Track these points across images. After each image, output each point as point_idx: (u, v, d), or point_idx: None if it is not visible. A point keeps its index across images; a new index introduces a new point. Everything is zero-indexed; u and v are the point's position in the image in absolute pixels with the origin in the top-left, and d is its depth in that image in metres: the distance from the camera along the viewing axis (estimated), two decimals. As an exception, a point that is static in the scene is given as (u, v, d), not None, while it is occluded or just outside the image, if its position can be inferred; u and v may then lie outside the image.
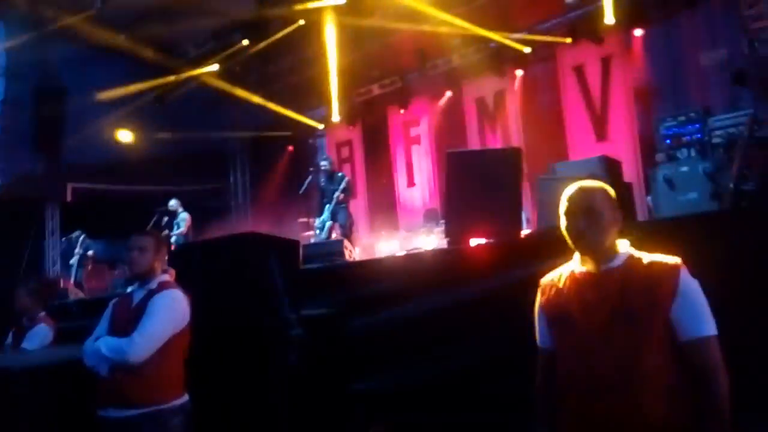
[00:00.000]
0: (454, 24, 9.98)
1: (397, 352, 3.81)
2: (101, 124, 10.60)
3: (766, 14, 6.28)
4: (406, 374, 3.77)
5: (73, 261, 8.83)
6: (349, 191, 8.02)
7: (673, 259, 1.74)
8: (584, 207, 1.79)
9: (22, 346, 3.78)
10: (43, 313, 4.00)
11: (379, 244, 9.72)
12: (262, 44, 10.71)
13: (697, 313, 1.68)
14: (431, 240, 8.83)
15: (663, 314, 1.66)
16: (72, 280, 8.53)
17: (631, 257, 1.78)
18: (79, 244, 8.82)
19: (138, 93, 11.08)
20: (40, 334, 3.86)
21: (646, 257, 1.77)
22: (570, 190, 1.86)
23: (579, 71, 9.91)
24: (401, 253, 8.29)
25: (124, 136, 11.38)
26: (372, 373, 3.83)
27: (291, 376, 3.13)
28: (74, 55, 10.46)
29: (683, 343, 1.67)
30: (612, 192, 1.86)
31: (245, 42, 10.61)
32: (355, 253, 6.67)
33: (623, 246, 1.82)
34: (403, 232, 10.28)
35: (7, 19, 9.96)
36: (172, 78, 11.34)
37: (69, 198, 10.89)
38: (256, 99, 11.98)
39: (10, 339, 4.01)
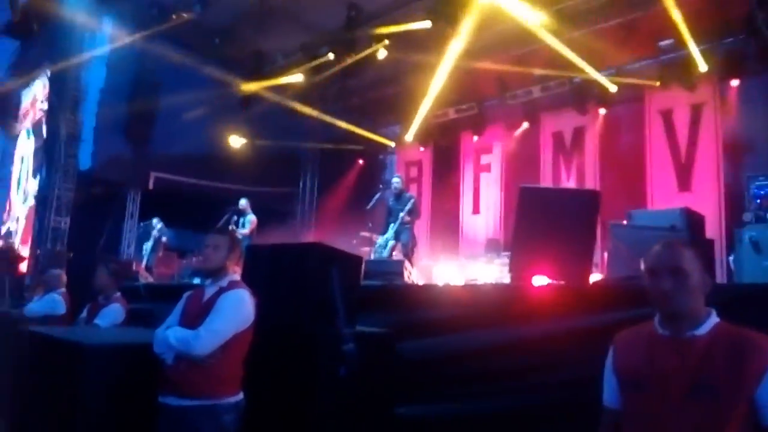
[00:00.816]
0: (539, 55, 9.89)
1: (446, 381, 3.76)
2: (189, 121, 11.17)
3: None
4: (452, 406, 3.71)
5: (147, 245, 9.29)
6: (416, 213, 8.02)
7: (764, 337, 1.63)
8: (672, 266, 1.71)
9: (95, 321, 4.02)
10: (118, 294, 4.25)
11: (437, 267, 9.65)
12: (347, 60, 10.95)
13: None
14: (491, 270, 8.69)
15: (748, 394, 1.56)
16: (144, 264, 8.96)
17: (717, 326, 1.69)
18: (156, 229, 9.26)
19: (226, 95, 11.62)
20: (114, 312, 4.10)
21: (735, 329, 1.68)
22: (658, 246, 1.79)
23: (666, 116, 9.58)
24: (459, 280, 8.22)
25: (235, 141, 11.97)
26: (418, 398, 3.80)
27: (339, 389, 3.16)
28: (171, 53, 11.11)
29: (766, 428, 1.56)
30: (701, 254, 1.78)
31: (331, 56, 10.90)
32: (413, 274, 6.67)
33: (710, 314, 1.72)
34: (462, 259, 10.18)
35: (114, 14, 10.70)
36: (259, 84, 11.82)
37: (151, 186, 11.53)
38: (331, 114, 12.32)
39: (84, 314, 4.28)
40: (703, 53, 8.91)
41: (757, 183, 5.71)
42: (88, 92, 10.85)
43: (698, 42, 8.90)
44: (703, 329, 1.69)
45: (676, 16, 8.07)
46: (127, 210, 11.50)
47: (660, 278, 1.72)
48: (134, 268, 8.26)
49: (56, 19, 9.95)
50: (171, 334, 2.64)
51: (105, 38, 10.91)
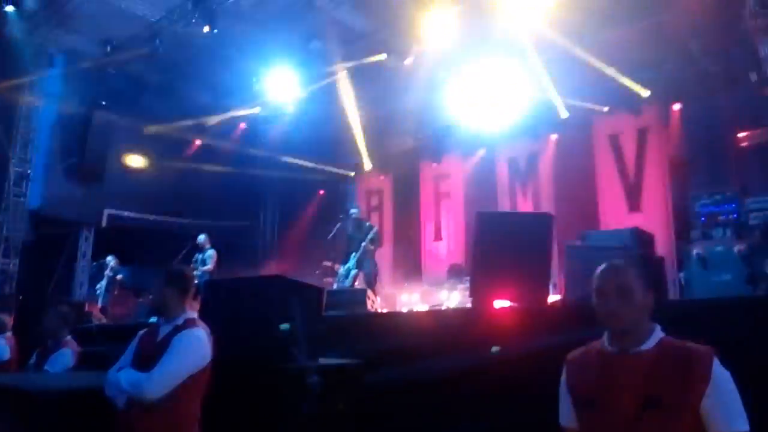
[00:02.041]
0: (493, 83, 10.23)
1: (412, 409, 3.75)
2: (144, 155, 10.98)
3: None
4: (420, 433, 3.69)
5: (101, 285, 8.98)
6: (378, 241, 8.04)
7: (706, 348, 1.70)
8: (617, 286, 1.77)
9: (45, 368, 3.84)
10: (68, 337, 4.08)
11: (401, 295, 9.65)
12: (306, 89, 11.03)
13: (728, 407, 1.63)
14: (454, 296, 8.73)
15: (693, 404, 1.62)
16: (99, 305, 8.65)
17: (662, 341, 1.75)
18: (110, 268, 8.99)
19: (182, 129, 11.51)
20: (64, 357, 3.92)
21: (678, 343, 1.74)
22: (603, 267, 1.85)
23: (614, 140, 9.95)
24: (423, 307, 8.23)
25: (135, 161, 11.53)
26: (385, 428, 3.77)
27: (304, 424, 3.09)
28: (126, 88, 11.00)
29: None
30: (645, 272, 1.85)
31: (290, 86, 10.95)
32: (377, 303, 6.65)
33: (655, 329, 1.79)
34: (425, 286, 10.21)
35: (66, 51, 10.54)
36: (216, 119, 11.78)
37: (104, 223, 11.20)
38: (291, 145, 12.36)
39: (34, 359, 4.08)
40: (647, 79, 9.39)
41: (702, 202, 5.98)
42: (39, 130, 10.58)
43: (641, 68, 9.39)
44: (649, 344, 1.74)
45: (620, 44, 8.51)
46: (79, 249, 11.12)
47: (607, 297, 1.78)
48: (87, 309, 7.96)
49: (5, 57, 9.74)
50: (122, 376, 2.54)
51: (57, 75, 10.72)
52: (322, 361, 3.41)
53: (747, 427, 1.63)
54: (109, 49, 10.17)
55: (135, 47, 9.97)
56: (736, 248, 4.77)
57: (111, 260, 9.11)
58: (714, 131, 8.90)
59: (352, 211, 8.28)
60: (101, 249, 10.49)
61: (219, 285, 3.98)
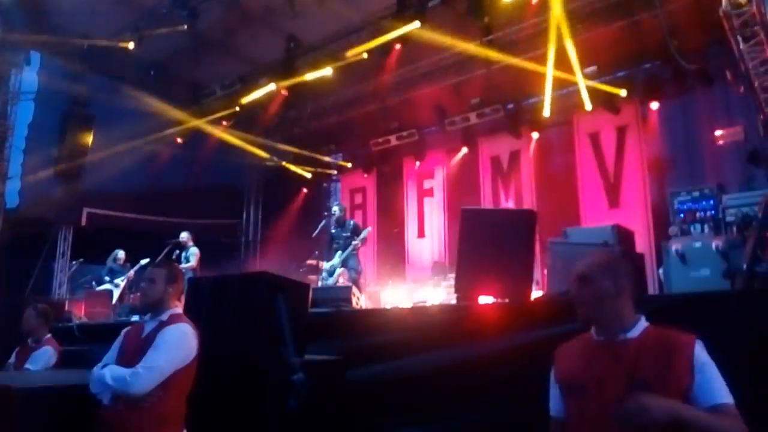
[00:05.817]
0: (474, 83, 10.31)
1: (397, 405, 3.76)
2: (123, 153, 10.84)
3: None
4: (404, 429, 3.70)
5: (118, 280, 8.99)
6: (364, 239, 8.01)
7: (689, 335, 1.75)
8: (578, 274, 1.84)
9: (26, 366, 3.78)
10: (49, 335, 4.02)
11: (385, 292, 9.67)
12: (285, 87, 10.96)
13: (713, 385, 1.67)
14: (438, 293, 8.79)
15: (679, 388, 1.66)
16: (130, 302, 8.64)
17: (647, 329, 1.80)
18: (133, 270, 9.00)
19: (162, 127, 11.38)
20: (45, 355, 3.87)
21: (662, 330, 1.79)
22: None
23: (594, 138, 10.08)
24: (407, 304, 8.26)
25: (114, 159, 11.28)
26: (369, 424, 3.77)
27: (288, 420, 3.09)
28: (104, 87, 10.84)
29: (711, 407, 1.65)
30: (619, 261, 1.89)
31: (271, 86, 10.89)
32: (361, 300, 6.65)
33: (640, 319, 1.83)
34: (410, 283, 10.24)
35: (43, 48, 10.36)
36: (197, 121, 11.68)
37: (83, 222, 11.04)
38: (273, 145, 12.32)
39: (13, 358, 4.01)
40: (625, 78, 9.54)
41: (680, 198, 6.09)
42: (16, 128, 10.37)
43: (619, 68, 9.53)
44: (634, 332, 1.79)
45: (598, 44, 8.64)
46: (58, 248, 10.96)
47: (571, 286, 1.86)
48: (67, 308, 7.82)
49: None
50: (107, 372, 2.52)
51: (33, 72, 10.53)
52: (308, 357, 3.42)
53: (732, 400, 1.66)
54: (86, 45, 10.01)
55: (113, 45, 9.83)
56: (713, 244, 4.88)
57: (123, 256, 9.14)
58: (691, 129, 9.08)
59: (334, 209, 8.27)
60: (80, 248, 10.35)
61: (203, 282, 3.94)
